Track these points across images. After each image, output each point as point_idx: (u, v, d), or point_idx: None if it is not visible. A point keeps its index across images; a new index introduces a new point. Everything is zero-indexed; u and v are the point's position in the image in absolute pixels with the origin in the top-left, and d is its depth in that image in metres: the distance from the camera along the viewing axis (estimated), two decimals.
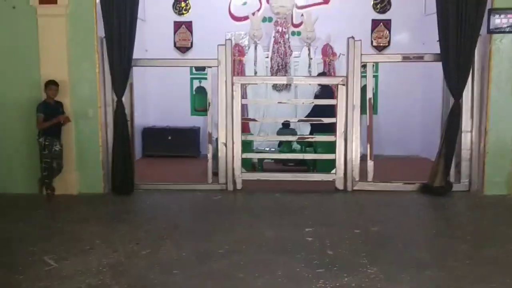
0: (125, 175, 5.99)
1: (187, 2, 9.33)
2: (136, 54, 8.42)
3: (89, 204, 5.67)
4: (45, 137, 5.64)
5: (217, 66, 6.08)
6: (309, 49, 8.68)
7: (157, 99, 9.47)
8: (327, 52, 8.75)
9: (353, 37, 6.21)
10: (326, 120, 6.27)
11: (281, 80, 6.80)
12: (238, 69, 8.68)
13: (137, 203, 5.86)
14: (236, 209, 5.74)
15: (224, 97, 6.14)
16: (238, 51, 8.70)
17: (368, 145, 6.18)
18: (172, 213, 5.36)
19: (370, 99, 6.20)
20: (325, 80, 6.42)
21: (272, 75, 8.61)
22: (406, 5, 9.12)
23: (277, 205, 5.69)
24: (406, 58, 6.39)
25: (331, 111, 6.97)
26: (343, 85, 6.12)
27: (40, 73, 5.90)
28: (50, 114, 5.66)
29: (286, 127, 7.67)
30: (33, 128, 5.76)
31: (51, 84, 5.69)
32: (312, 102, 6.54)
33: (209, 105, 6.30)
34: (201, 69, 8.59)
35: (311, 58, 8.67)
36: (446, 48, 5.83)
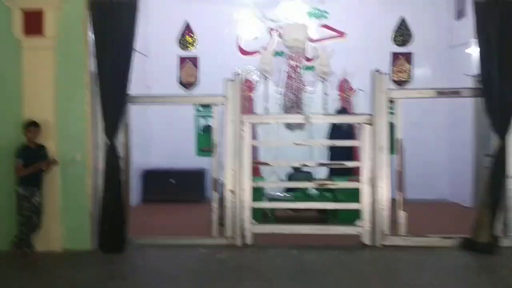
0: (116, 229, 5.17)
1: (193, 36, 8.73)
2: (137, 91, 7.78)
3: (73, 265, 4.83)
4: (25, 187, 4.88)
5: (224, 104, 5.34)
6: (324, 84, 7.96)
7: (160, 139, 8.77)
8: (344, 87, 8.03)
9: (378, 70, 5.47)
10: (350, 164, 5.46)
11: (296, 119, 6.04)
12: (247, 106, 7.97)
13: (128, 264, 5.01)
14: (244, 271, 4.80)
15: (232, 138, 5.38)
16: (248, 87, 8.01)
17: (399, 193, 5.33)
18: (167, 279, 4.47)
19: (399, 140, 5.39)
20: (347, 119, 5.66)
21: (284, 112, 7.89)
22: (429, 37, 8.44)
23: (295, 265, 4.80)
24: (441, 94, 5.63)
25: (350, 149, 6.23)
26: (369, 124, 5.33)
27: (23, 112, 5.20)
28: (31, 160, 4.92)
29: (299, 169, 6.90)
30: (13, 176, 5.00)
31: (30, 125, 4.98)
32: (333, 145, 5.75)
33: (214, 147, 5.53)
34: (208, 106, 7.92)
35: (327, 94, 7.93)
36: (488, 82, 5.06)
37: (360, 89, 7.95)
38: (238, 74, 5.27)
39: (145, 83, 8.74)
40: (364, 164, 5.32)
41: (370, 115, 5.39)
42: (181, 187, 8.49)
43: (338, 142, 5.72)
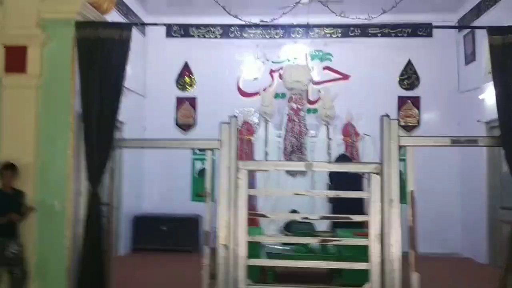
0: (96, 286, 4.62)
1: (191, 76, 8.45)
2: (133, 133, 7.41)
3: None
4: None
5: (219, 148, 4.90)
6: (327, 129, 7.57)
7: (153, 182, 8.31)
8: (349, 132, 7.63)
9: (387, 115, 5.07)
10: (356, 219, 4.95)
11: (298, 166, 5.57)
12: (246, 149, 7.56)
13: None
14: None
15: (226, 186, 4.89)
16: (247, 130, 7.63)
17: (411, 251, 4.79)
18: None
19: (412, 191, 4.91)
20: (354, 168, 5.21)
21: (285, 157, 7.46)
22: (437, 81, 8.12)
23: None
24: (456, 142, 5.16)
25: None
26: (377, 174, 4.87)
27: (1, 154, 4.77)
28: (5, 207, 4.44)
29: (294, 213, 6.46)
30: None
31: (7, 169, 4.53)
32: (338, 196, 5.27)
33: (206, 196, 5.05)
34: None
35: (330, 139, 7.52)
36: (508, 128, 4.64)
37: (366, 134, 7.56)
38: (235, 117, 4.84)
39: (141, 124, 8.38)
40: (372, 218, 4.82)
41: (379, 163, 4.93)
42: (174, 235, 7.96)
43: (343, 193, 5.23)
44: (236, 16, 6.29)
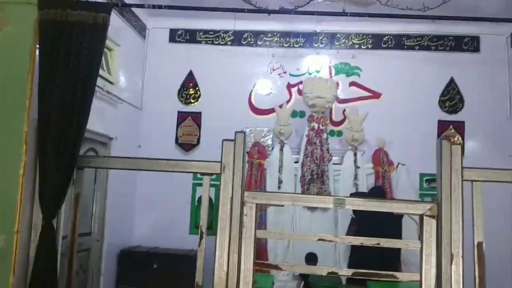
0: None
1: (196, 88, 7.30)
2: (125, 151, 6.26)
3: None
4: None
5: (221, 173, 3.68)
6: (355, 155, 6.33)
7: (147, 211, 7.07)
8: (380, 160, 6.36)
9: (448, 139, 3.83)
10: (402, 277, 3.65)
11: (323, 202, 4.21)
12: (256, 175, 6.33)
13: None
14: None
15: (227, 224, 3.65)
16: (258, 152, 6.42)
17: None
18: None
19: (480, 243, 3.61)
20: (399, 207, 3.91)
21: (303, 186, 6.21)
22: (484, 104, 6.85)
23: None
24: None
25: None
26: (433, 217, 3.59)
27: None
28: None
29: (313, 260, 5.22)
30: None
31: None
32: (377, 245, 3.93)
33: (202, 235, 3.80)
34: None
35: (358, 167, 6.27)
36: None
37: (401, 164, 6.30)
38: (242, 132, 3.64)
39: (135, 141, 7.21)
40: (425, 277, 3.52)
41: (435, 203, 3.66)
42: (168, 274, 6.65)
43: (385, 242, 3.94)
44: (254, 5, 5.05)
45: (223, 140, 3.72)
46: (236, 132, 3.80)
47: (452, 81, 6.94)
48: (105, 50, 6.24)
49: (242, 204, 3.69)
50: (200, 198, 6.94)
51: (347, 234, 5.61)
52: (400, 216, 5.44)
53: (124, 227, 6.89)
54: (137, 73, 7.20)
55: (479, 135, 6.87)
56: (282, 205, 3.88)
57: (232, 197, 3.66)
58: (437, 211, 3.61)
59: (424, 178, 6.82)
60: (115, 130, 6.38)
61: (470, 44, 6.93)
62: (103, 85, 5.87)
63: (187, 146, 7.20)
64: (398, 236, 5.14)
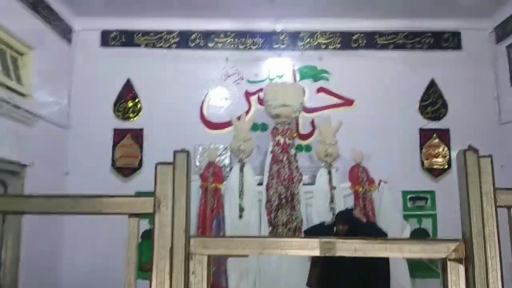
0: None
1: (136, 100, 6.08)
2: (49, 180, 5.01)
3: None
4: None
5: (154, 213, 2.48)
6: (329, 173, 5.27)
7: (78, 251, 5.71)
8: (359, 177, 5.33)
9: (474, 148, 2.80)
10: None
11: (303, 246, 3.04)
12: (212, 203, 5.15)
13: None
14: None
15: (167, 280, 2.44)
16: (214, 175, 5.24)
17: None
18: None
19: None
20: (413, 250, 2.90)
21: (270, 214, 5.09)
22: (469, 109, 6.01)
23: None
24: None
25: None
26: (459, 261, 2.53)
27: None
28: None
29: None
30: None
31: None
32: None
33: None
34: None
35: (334, 187, 5.21)
36: None
37: (383, 181, 5.30)
38: (184, 152, 2.46)
39: (63, 168, 5.88)
40: None
41: (461, 241, 2.61)
42: None
43: None
44: None
45: (157, 164, 2.54)
46: (175, 152, 2.62)
47: (432, 83, 6.08)
48: (13, 54, 4.94)
49: (188, 256, 2.49)
50: (145, 232, 5.68)
51: (308, 281, 4.45)
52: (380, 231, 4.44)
53: (47, 275, 5.49)
54: (61, 84, 5.91)
55: (466, 143, 5.93)
56: (246, 256, 2.68)
57: (172, 247, 2.46)
58: (466, 252, 2.55)
59: (408, 196, 5.89)
60: (31, 155, 5.05)
61: (450, 41, 6.11)
62: (9, 98, 4.57)
63: (126, 170, 5.93)
64: (384, 280, 4.12)
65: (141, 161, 5.93)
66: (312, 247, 2.58)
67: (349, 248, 2.59)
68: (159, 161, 2.55)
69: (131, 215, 2.49)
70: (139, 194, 2.76)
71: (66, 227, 5.73)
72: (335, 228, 4.29)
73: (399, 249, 2.62)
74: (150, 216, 2.49)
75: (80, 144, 5.90)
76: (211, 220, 5.10)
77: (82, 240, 5.67)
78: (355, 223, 4.32)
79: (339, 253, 2.54)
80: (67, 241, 5.73)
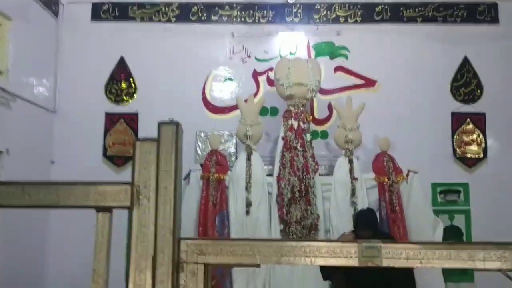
0: None
1: (131, 81, 5.41)
2: (33, 169, 4.39)
3: None
4: None
5: (131, 207, 1.78)
6: (350, 162, 4.56)
7: (65, 253, 5.06)
8: (385, 167, 4.61)
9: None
10: None
11: (335, 253, 2.36)
12: (214, 196, 4.46)
13: None
14: None
15: None
16: (217, 164, 4.55)
17: None
18: None
19: None
20: (492, 258, 2.25)
21: (281, 209, 4.39)
22: (507, 90, 5.28)
23: None
24: None
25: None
26: None
27: None
28: None
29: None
30: None
31: None
32: None
33: None
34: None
35: (356, 178, 4.51)
36: None
37: (412, 171, 4.60)
38: (174, 123, 1.77)
39: (48, 157, 5.24)
40: None
41: None
42: None
43: None
44: None
45: (135, 140, 1.86)
46: (160, 124, 1.93)
47: (466, 61, 5.35)
48: None
49: (177, 267, 1.80)
50: None
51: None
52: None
53: (28, 282, 4.84)
54: (46, 62, 5.25)
55: (504, 130, 5.27)
56: (257, 266, 1.96)
57: (155, 255, 1.78)
58: None
59: (438, 189, 5.18)
60: (8, 141, 4.41)
61: (486, 14, 5.37)
62: None
63: (119, 159, 5.27)
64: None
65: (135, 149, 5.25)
66: (348, 255, 1.86)
67: (399, 255, 1.88)
68: (140, 137, 1.87)
69: (100, 209, 1.81)
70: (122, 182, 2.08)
71: (52, 225, 5.09)
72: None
73: (470, 257, 1.89)
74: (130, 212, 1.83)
75: (68, 129, 5.25)
76: (213, 216, 4.43)
77: (72, 237, 5.01)
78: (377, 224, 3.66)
79: (386, 263, 1.82)
80: (53, 241, 5.09)
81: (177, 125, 1.87)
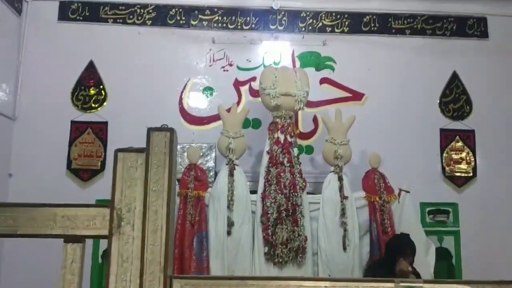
0: None
1: (100, 87, 4.95)
2: None
3: None
4: None
5: (110, 236, 1.37)
6: (340, 179, 4.24)
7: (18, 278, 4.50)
8: (375, 185, 4.32)
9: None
10: None
11: None
12: (193, 215, 4.03)
13: None
14: None
15: None
16: (196, 180, 4.13)
17: None
18: None
19: None
20: None
21: (266, 229, 4.00)
22: (497, 107, 5.14)
23: None
24: None
25: None
26: None
27: None
28: None
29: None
30: None
31: None
32: None
33: None
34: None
35: (346, 197, 4.18)
36: None
37: (403, 190, 4.32)
38: (168, 130, 1.38)
39: (6, 169, 4.70)
40: None
41: None
42: None
43: None
44: None
45: (117, 150, 1.46)
46: (150, 131, 1.55)
47: (455, 76, 5.18)
48: None
49: None
50: (105, 251, 4.47)
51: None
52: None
53: None
54: (7, 63, 4.75)
55: (493, 148, 5.11)
56: None
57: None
58: None
59: (427, 209, 4.93)
60: None
61: (475, 28, 5.23)
62: None
63: (85, 173, 4.78)
64: None
65: (104, 161, 4.79)
66: None
67: None
68: (119, 148, 1.47)
69: (69, 239, 1.42)
70: (99, 204, 1.67)
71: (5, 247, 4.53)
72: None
73: None
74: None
75: (28, 139, 4.74)
76: (191, 237, 4.01)
77: (24, 269, 4.45)
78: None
79: None
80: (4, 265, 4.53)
81: (171, 132, 1.49)
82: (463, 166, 5.04)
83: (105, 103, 4.92)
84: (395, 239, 3.78)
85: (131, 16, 5.01)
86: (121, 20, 5.01)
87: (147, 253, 1.36)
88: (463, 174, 5.03)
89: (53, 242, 1.47)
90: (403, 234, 3.80)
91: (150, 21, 5.02)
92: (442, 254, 4.80)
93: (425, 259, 4.18)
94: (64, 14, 4.98)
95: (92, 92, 4.89)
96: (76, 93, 4.89)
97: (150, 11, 5.02)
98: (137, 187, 1.44)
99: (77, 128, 4.85)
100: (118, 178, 1.45)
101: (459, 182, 5.01)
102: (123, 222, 1.41)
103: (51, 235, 1.46)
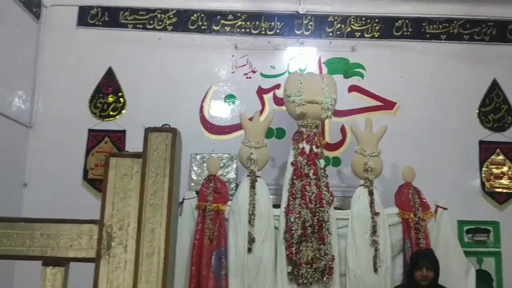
0: None
1: (119, 95, 4.78)
2: (6, 191, 3.71)
3: None
4: None
5: (97, 259, 1.10)
6: (371, 194, 3.92)
7: None
8: (409, 200, 3.97)
9: None
10: None
11: None
12: (212, 230, 3.77)
13: None
14: None
15: None
16: (215, 192, 3.88)
17: None
18: None
19: None
20: None
21: (290, 247, 3.70)
22: None
23: None
24: None
25: None
26: None
27: None
28: None
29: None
30: None
31: None
32: None
33: None
34: None
35: (377, 213, 3.85)
36: None
37: (441, 207, 3.97)
38: (170, 130, 1.13)
39: (21, 179, 4.55)
40: None
41: None
42: None
43: None
44: None
45: (108, 156, 1.21)
46: (148, 131, 1.29)
47: (495, 84, 4.81)
48: None
49: None
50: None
51: None
52: None
53: None
54: (24, 70, 4.62)
55: None
56: None
57: None
58: None
59: (465, 228, 4.56)
60: None
61: None
62: None
63: (101, 184, 4.58)
64: None
65: None
66: None
67: None
68: (113, 153, 1.20)
69: (49, 262, 1.14)
70: (86, 220, 1.38)
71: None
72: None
73: None
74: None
75: (44, 147, 4.58)
76: (209, 254, 3.75)
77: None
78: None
79: None
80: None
81: (174, 132, 1.23)
82: (505, 181, 4.65)
83: (123, 111, 4.74)
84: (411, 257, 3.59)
85: (151, 22, 4.84)
86: (141, 26, 4.84)
87: (140, 282, 1.08)
88: (504, 190, 4.64)
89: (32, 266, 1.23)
90: (420, 249, 3.63)
91: (171, 27, 4.84)
92: (481, 278, 4.41)
93: (464, 283, 3.81)
94: (83, 19, 4.85)
95: (110, 99, 4.72)
96: (94, 101, 4.73)
97: (171, 16, 4.84)
98: (132, 200, 1.16)
99: (95, 137, 4.68)
100: (109, 189, 1.18)
101: (500, 198, 4.61)
102: (114, 242, 1.12)
103: (27, 257, 1.19)
